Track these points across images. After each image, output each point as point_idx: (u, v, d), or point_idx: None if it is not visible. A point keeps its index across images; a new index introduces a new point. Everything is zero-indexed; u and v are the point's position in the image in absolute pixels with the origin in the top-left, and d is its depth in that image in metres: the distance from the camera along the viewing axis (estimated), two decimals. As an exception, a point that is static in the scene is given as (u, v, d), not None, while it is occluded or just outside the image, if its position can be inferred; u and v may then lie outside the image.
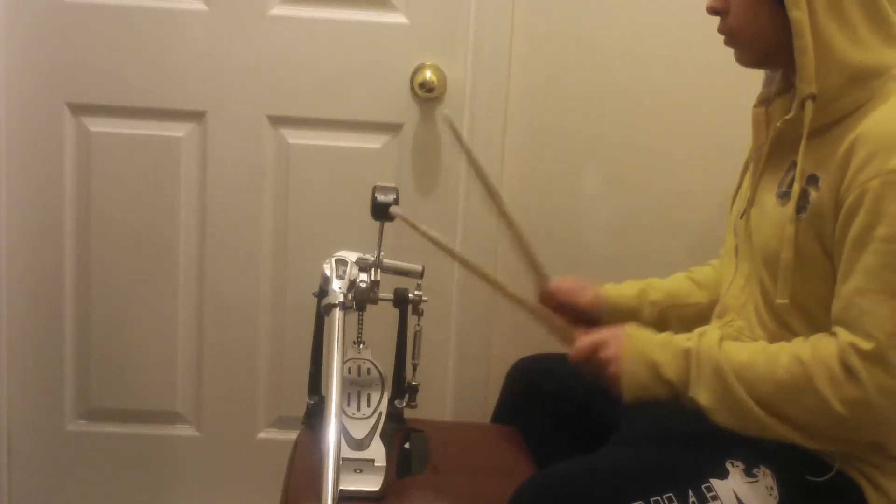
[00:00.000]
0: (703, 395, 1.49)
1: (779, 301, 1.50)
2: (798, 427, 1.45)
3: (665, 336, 1.57)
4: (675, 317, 1.81)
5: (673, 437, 1.52)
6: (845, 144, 1.43)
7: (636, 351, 1.55)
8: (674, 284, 1.85)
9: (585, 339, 1.61)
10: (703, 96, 2.25)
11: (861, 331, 1.39)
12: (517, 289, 1.90)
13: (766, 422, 1.46)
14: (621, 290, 1.86)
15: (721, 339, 1.52)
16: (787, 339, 1.50)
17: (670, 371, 1.52)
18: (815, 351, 1.44)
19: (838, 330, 1.43)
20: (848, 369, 1.40)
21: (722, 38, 1.57)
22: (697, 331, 1.55)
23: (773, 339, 1.52)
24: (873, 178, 1.38)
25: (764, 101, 1.60)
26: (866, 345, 1.39)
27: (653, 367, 1.52)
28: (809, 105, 1.45)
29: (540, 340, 1.92)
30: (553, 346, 1.93)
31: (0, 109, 2.22)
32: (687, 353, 1.51)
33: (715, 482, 1.47)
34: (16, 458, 2.40)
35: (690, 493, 1.46)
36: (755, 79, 1.61)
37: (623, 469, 1.52)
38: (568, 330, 1.67)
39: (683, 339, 1.54)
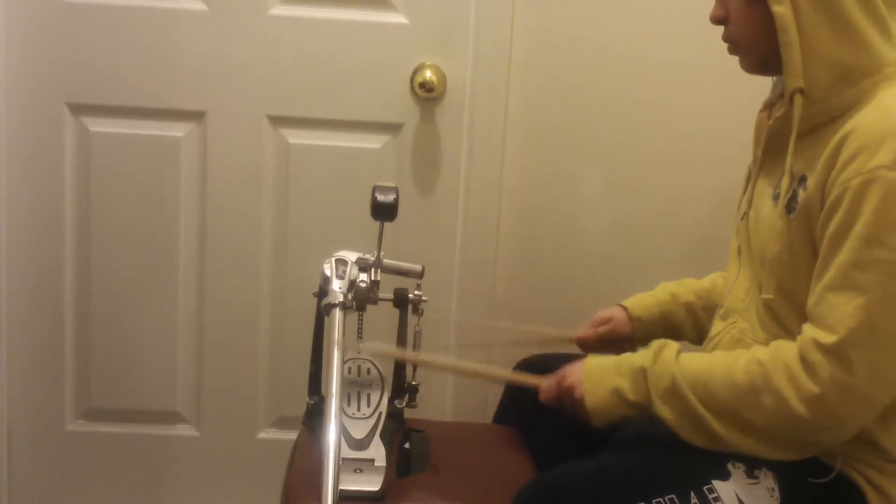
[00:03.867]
0: (664, 412, 1.50)
1: (763, 296, 1.50)
2: (758, 434, 1.44)
3: (622, 357, 1.57)
4: (710, 317, 1.79)
5: (674, 438, 1.51)
6: (833, 143, 1.43)
7: (594, 379, 1.56)
8: (709, 283, 1.85)
9: (550, 379, 1.64)
10: (703, 98, 2.25)
11: (825, 325, 1.39)
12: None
13: (725, 435, 1.45)
14: (648, 301, 1.86)
15: (679, 352, 1.52)
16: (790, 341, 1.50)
17: (630, 392, 1.52)
18: (775, 353, 1.44)
19: (806, 326, 1.43)
20: (806, 365, 1.39)
21: (721, 39, 1.57)
22: (656, 344, 1.55)
23: (774, 340, 1.52)
24: (854, 176, 1.38)
25: (767, 106, 1.60)
26: (828, 339, 1.38)
27: (614, 392, 1.53)
28: (798, 99, 1.45)
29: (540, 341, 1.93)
30: (553, 346, 1.93)
31: (0, 109, 2.22)
32: (643, 372, 1.52)
33: (717, 483, 1.47)
34: (16, 458, 2.40)
35: (692, 494, 1.46)
36: (755, 81, 1.61)
37: (625, 471, 1.52)
38: (531, 378, 1.69)
39: (640, 358, 1.54)
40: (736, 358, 1.48)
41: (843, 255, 1.39)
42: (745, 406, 1.44)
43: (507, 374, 1.76)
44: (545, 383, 1.65)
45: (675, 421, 1.49)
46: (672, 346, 1.54)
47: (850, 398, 1.39)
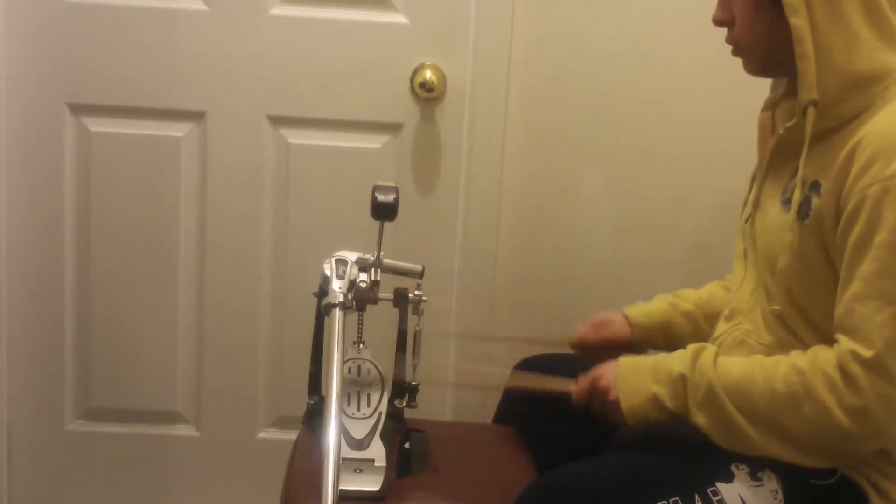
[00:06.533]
0: (700, 419, 1.49)
1: (771, 308, 1.50)
2: (797, 443, 1.44)
3: (658, 361, 1.56)
4: (710, 325, 1.78)
5: (677, 440, 1.51)
6: (846, 150, 1.42)
7: (630, 383, 1.55)
8: (706, 293, 1.84)
9: (583, 380, 1.64)
10: (704, 98, 2.25)
11: (861, 338, 1.39)
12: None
13: (760, 442, 1.45)
14: (648, 309, 1.85)
15: (716, 357, 1.52)
16: (794, 345, 1.49)
17: (668, 400, 1.52)
18: (814, 361, 1.43)
19: (839, 337, 1.42)
20: (847, 377, 1.39)
21: (725, 41, 1.57)
22: (692, 348, 1.54)
23: (779, 343, 1.52)
24: (873, 183, 1.38)
25: (770, 106, 1.60)
26: (866, 352, 1.38)
27: (651, 399, 1.53)
28: (811, 112, 1.45)
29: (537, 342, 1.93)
30: (551, 348, 1.93)
31: (0, 109, 2.22)
32: (683, 379, 1.51)
33: (720, 486, 1.47)
34: (16, 458, 2.40)
35: (696, 496, 1.46)
36: (757, 80, 1.61)
37: (629, 473, 1.52)
38: (563, 381, 1.69)
39: (678, 363, 1.53)
40: (775, 365, 1.46)
41: (868, 265, 1.38)
42: (784, 414, 1.44)
43: (537, 381, 1.76)
44: (577, 385, 1.64)
45: (709, 427, 1.49)
46: (709, 350, 1.53)
47: (894, 409, 1.39)
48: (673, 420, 1.52)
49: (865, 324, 1.38)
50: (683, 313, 1.82)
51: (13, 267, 2.31)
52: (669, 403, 1.52)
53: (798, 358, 1.45)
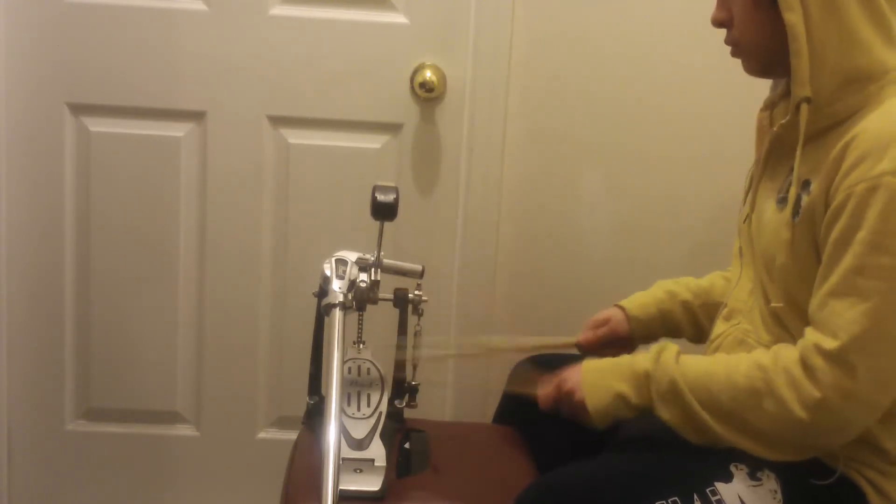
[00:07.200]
0: (664, 413, 1.50)
1: (773, 305, 1.50)
2: (759, 437, 1.45)
3: (619, 361, 1.57)
4: (707, 316, 1.81)
5: (676, 440, 1.51)
6: (837, 148, 1.42)
7: (595, 383, 1.56)
8: (707, 283, 1.85)
9: (547, 384, 1.64)
10: (704, 98, 2.25)
11: (828, 330, 1.39)
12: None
13: (724, 435, 1.46)
14: (644, 300, 1.86)
15: (678, 354, 1.53)
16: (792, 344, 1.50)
17: (633, 397, 1.53)
18: (776, 357, 1.44)
19: (807, 330, 1.43)
20: (808, 369, 1.40)
21: (724, 42, 1.57)
22: (656, 347, 1.56)
23: (778, 343, 1.51)
24: (860, 182, 1.38)
25: (769, 106, 1.60)
26: (830, 344, 1.38)
27: (616, 397, 1.54)
28: (804, 108, 1.45)
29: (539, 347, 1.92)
30: (553, 352, 1.93)
31: (0, 109, 2.22)
32: (646, 376, 1.52)
33: (720, 486, 1.47)
34: (16, 458, 2.40)
35: (695, 496, 1.46)
36: (757, 81, 1.61)
37: (629, 473, 1.52)
38: (529, 388, 1.70)
39: (642, 361, 1.54)
40: (737, 361, 1.48)
41: (847, 261, 1.39)
42: (746, 410, 1.44)
43: (515, 383, 1.77)
44: (542, 391, 1.65)
45: (674, 422, 1.50)
46: (671, 347, 1.55)
47: (853, 403, 1.39)
48: (639, 416, 1.53)
49: (835, 318, 1.39)
50: (681, 303, 1.83)
51: (13, 267, 2.31)
52: (634, 399, 1.53)
53: (761, 355, 1.47)
